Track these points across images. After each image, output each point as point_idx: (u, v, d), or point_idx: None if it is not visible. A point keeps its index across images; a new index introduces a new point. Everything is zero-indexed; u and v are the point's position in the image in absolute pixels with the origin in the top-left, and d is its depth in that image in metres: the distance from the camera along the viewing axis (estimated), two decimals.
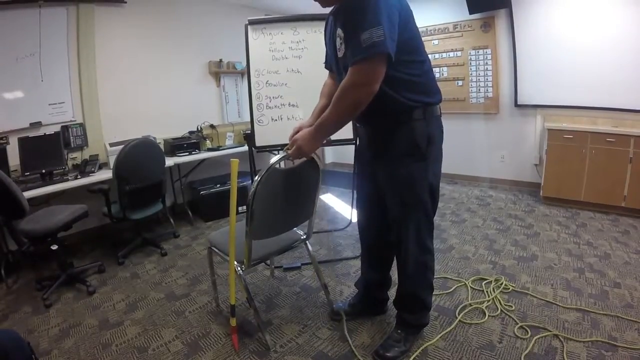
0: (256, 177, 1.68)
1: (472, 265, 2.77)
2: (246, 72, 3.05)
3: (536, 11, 4.26)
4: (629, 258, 2.79)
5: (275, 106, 2.97)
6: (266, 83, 2.95)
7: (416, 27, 1.61)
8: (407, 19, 1.53)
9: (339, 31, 1.58)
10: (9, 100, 3.39)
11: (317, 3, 1.66)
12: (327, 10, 1.77)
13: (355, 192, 2.07)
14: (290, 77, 2.97)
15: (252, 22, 2.95)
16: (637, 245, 3.01)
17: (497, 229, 3.46)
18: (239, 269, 1.90)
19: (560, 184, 4.01)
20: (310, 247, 2.20)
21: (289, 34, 2.94)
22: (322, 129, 1.60)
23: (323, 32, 1.88)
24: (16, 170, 3.21)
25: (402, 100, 1.59)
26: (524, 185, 4.76)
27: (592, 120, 4.07)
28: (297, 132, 1.75)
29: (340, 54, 1.62)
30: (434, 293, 2.00)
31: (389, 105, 1.60)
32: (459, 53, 4.95)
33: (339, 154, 6.59)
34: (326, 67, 1.99)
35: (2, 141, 3.24)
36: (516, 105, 4.63)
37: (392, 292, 2.06)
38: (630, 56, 3.75)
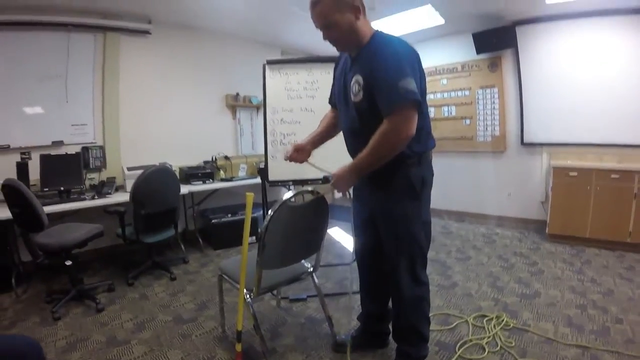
0: (269, 212, 1.77)
1: (475, 302, 2.79)
2: (262, 108, 3.19)
3: (541, 50, 4.39)
4: (633, 293, 2.80)
5: (289, 143, 3.08)
6: (281, 120, 3.08)
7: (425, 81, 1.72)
8: (421, 74, 1.66)
9: (358, 77, 1.66)
10: (34, 118, 3.57)
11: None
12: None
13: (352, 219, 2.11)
14: (304, 115, 3.09)
15: (270, 62, 3.11)
16: None
17: (501, 267, 3.48)
18: (247, 296, 1.96)
19: (566, 221, 4.03)
20: (316, 280, 2.26)
21: (304, 74, 3.08)
22: (359, 169, 1.67)
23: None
24: (35, 184, 3.33)
25: (406, 151, 1.66)
26: (530, 222, 4.77)
27: (599, 156, 4.11)
28: (295, 149, 1.96)
29: (355, 99, 1.70)
30: (434, 328, 2.02)
31: None
32: (467, 92, 5.08)
33: None
34: (330, 103, 2.11)
35: (24, 156, 3.41)
36: (522, 143, 4.71)
37: None
38: (634, 91, 3.83)
